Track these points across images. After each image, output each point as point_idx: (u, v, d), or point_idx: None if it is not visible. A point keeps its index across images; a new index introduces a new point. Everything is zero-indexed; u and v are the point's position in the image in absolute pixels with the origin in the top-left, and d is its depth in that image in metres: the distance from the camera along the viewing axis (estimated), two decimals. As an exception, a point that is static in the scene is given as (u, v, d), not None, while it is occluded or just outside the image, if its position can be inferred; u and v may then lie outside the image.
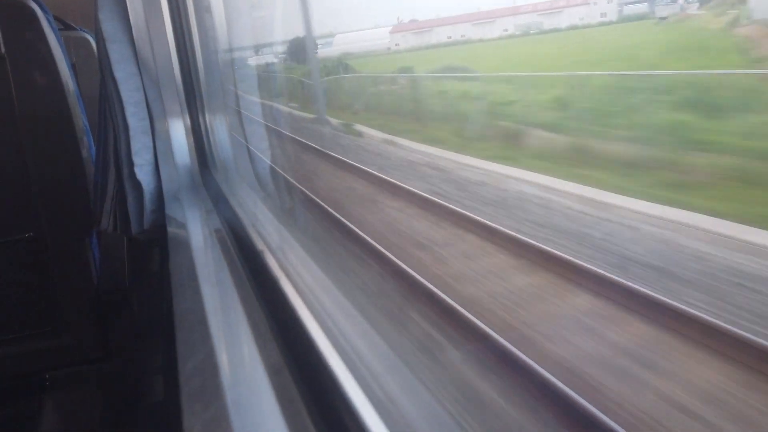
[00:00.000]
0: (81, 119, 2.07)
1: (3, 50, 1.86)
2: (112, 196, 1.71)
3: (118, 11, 1.53)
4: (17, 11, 1.88)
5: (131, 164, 1.54)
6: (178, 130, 1.64)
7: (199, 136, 1.63)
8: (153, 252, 2.09)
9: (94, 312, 2.15)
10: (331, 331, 0.88)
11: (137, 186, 1.56)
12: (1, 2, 1.87)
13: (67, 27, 3.71)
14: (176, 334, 1.03)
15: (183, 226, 1.53)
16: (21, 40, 1.89)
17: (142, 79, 1.57)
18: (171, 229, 1.45)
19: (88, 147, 2.10)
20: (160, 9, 1.62)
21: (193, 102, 1.62)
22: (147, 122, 1.57)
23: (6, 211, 2.00)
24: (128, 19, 1.55)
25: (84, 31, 3.64)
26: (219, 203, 1.56)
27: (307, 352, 0.82)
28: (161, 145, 1.58)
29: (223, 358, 0.95)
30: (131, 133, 1.53)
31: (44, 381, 2.28)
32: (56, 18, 3.69)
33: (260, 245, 1.32)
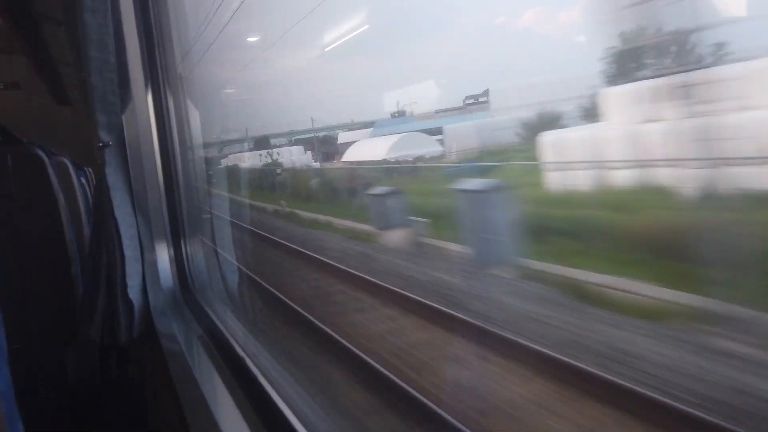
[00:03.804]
0: (73, 244, 2.43)
1: (13, 191, 2.25)
2: (101, 311, 2.06)
3: (120, 163, 1.99)
4: (28, 159, 2.29)
5: (125, 286, 1.92)
6: (163, 258, 2.05)
7: (181, 263, 2.05)
8: (128, 356, 2.39)
9: (69, 410, 2.40)
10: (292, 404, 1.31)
11: (129, 303, 1.93)
12: (15, 152, 2.28)
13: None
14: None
15: (169, 335, 1.91)
16: (28, 183, 2.28)
17: (136, 217, 1.99)
18: (160, 337, 1.83)
19: (77, 265, 2.45)
20: (154, 159, 2.08)
21: (177, 236, 2.05)
22: (138, 252, 1.97)
23: None
24: (128, 171, 2.00)
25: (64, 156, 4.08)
26: (200, 315, 1.96)
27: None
28: (149, 270, 1.98)
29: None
30: (126, 262, 1.92)
31: None
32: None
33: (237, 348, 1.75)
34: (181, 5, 2.32)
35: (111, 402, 2.27)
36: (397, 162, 12.01)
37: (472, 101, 13.15)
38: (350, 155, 14.73)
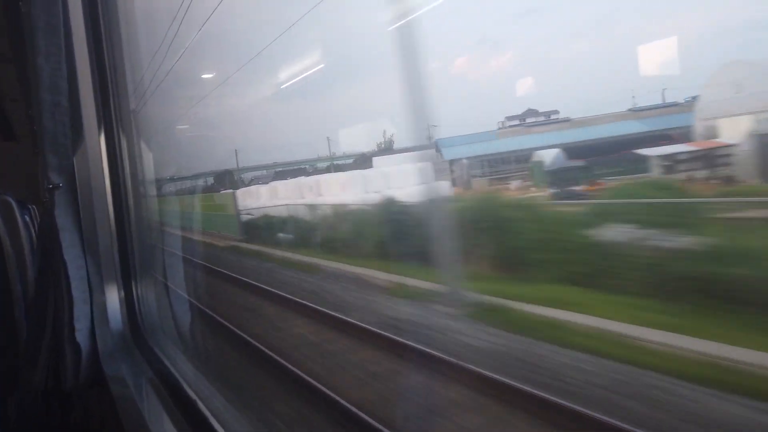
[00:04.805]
0: (18, 286, 2.36)
1: None
2: (45, 356, 2.00)
3: (70, 204, 1.97)
4: None
5: (72, 329, 1.88)
6: (113, 300, 2.02)
7: (131, 304, 2.03)
8: (73, 402, 2.31)
9: None
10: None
11: (76, 347, 1.89)
12: None
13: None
14: None
15: (118, 378, 1.87)
16: None
17: (86, 259, 1.97)
18: (109, 381, 1.79)
19: (20, 308, 2.37)
20: (106, 200, 2.07)
21: (128, 277, 2.03)
22: (87, 294, 1.94)
23: None
24: (78, 212, 1.99)
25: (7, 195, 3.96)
26: (150, 358, 1.93)
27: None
28: (98, 312, 1.95)
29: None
30: (74, 303, 1.89)
31: None
32: None
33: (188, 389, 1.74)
34: (137, 49, 2.36)
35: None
36: None
37: (517, 122, 13.46)
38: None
